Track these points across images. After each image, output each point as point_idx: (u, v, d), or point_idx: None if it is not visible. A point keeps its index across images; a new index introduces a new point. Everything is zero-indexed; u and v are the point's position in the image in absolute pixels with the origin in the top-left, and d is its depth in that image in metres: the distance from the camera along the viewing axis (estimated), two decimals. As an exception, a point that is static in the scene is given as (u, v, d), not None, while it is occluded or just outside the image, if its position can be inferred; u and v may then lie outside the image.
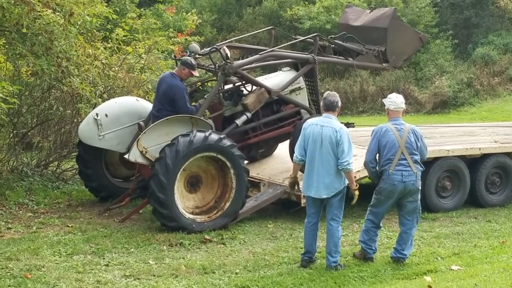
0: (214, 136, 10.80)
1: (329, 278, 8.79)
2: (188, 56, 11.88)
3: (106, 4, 15.51)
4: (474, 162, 13.11)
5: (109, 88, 14.07)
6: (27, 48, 11.94)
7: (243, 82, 12.24)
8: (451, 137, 14.89)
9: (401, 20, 18.55)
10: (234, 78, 12.21)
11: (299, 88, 12.84)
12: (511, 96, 31.58)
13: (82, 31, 13.39)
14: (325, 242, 9.32)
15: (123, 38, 15.33)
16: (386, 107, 9.47)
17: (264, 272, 9.13)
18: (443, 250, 10.24)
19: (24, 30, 11.72)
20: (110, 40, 15.29)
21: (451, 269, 9.09)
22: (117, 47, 15.14)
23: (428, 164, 12.55)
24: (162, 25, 21.48)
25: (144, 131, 10.94)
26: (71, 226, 10.90)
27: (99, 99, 13.00)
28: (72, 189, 13.20)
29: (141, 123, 11.67)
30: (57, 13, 12.19)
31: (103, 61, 13.77)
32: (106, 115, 11.78)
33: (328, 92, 9.44)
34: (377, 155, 9.33)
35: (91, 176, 12.29)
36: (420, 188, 9.35)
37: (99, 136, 11.68)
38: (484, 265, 9.25)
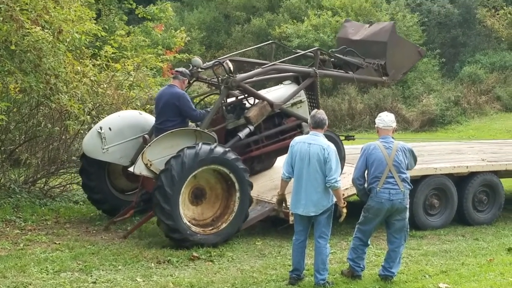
0: (220, 149, 10.87)
1: (317, 295, 8.79)
2: (191, 70, 11.99)
3: (95, 21, 15.54)
4: (462, 180, 13.17)
5: (97, 105, 14.05)
6: (16, 65, 11.94)
7: (246, 95, 12.35)
8: (439, 155, 14.95)
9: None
10: (236, 92, 12.31)
11: (300, 101, 12.97)
12: (498, 115, 31.80)
13: (71, 48, 13.41)
14: (313, 259, 9.32)
15: (112, 55, 15.34)
16: (376, 125, 9.52)
17: (252, 290, 9.12)
18: (431, 268, 10.25)
19: (13, 47, 11.71)
20: (99, 57, 15.29)
21: (439, 287, 9.10)
22: (105, 64, 15.14)
23: (416, 182, 12.62)
24: (151, 42, 21.52)
25: (149, 144, 11.01)
26: (59, 243, 10.85)
27: (88, 116, 12.99)
28: (59, 206, 13.15)
29: (146, 136, 11.76)
30: (46, 30, 12.22)
31: (91, 78, 13.77)
32: (110, 129, 11.84)
33: (315, 110, 9.49)
34: (366, 172, 9.36)
35: (94, 188, 12.31)
36: (408, 206, 9.36)
37: (103, 149, 11.74)
38: (472, 283, 9.28)
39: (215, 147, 10.85)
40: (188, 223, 10.74)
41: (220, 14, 38.24)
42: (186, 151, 10.57)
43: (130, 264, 9.96)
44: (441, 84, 32.65)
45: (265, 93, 12.77)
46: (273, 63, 12.84)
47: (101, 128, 11.79)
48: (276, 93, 12.77)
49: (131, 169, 11.19)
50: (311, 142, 9.04)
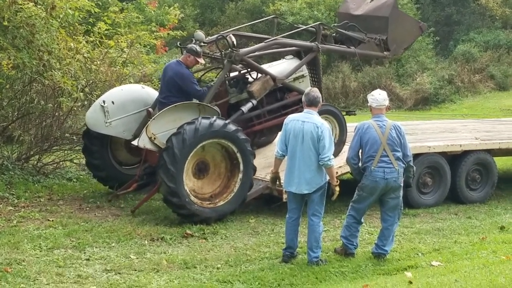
0: (219, 122, 10.90)
1: (310, 273, 8.82)
2: (194, 44, 11.92)
3: (88, -3, 15.42)
4: (455, 158, 13.19)
5: (91, 82, 13.99)
6: (8, 41, 11.84)
7: (249, 69, 12.36)
8: (432, 133, 14.95)
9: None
10: (238, 66, 12.34)
11: (303, 76, 13.01)
12: (492, 93, 31.82)
13: (64, 25, 13.30)
14: (307, 237, 9.34)
15: (105, 32, 15.25)
16: (369, 104, 9.49)
17: (246, 267, 9.13)
18: (424, 246, 10.28)
19: (5, 23, 11.62)
20: (92, 34, 15.19)
21: (432, 265, 9.13)
22: (99, 41, 15.05)
23: (409, 160, 12.64)
24: (145, 19, 21.37)
25: (153, 118, 11.03)
26: (52, 220, 10.84)
27: (81, 93, 12.93)
28: (53, 183, 13.11)
29: (150, 109, 11.78)
30: (39, 6, 12.11)
31: (85, 55, 13.68)
32: (112, 102, 11.85)
33: (309, 88, 9.48)
34: (360, 151, 9.35)
35: (99, 166, 12.36)
36: (402, 185, 9.37)
37: (106, 123, 11.75)
38: (464, 261, 9.30)
39: (215, 120, 10.86)
40: (188, 190, 10.77)
41: (214, -9, 38.04)
42: (186, 127, 10.61)
43: (123, 241, 9.96)
44: (435, 63, 32.61)
45: (268, 67, 12.77)
46: (275, 37, 12.83)
47: (104, 102, 11.78)
48: (278, 68, 12.79)
49: (135, 142, 11.19)
50: (305, 120, 9.03)
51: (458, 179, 13.09)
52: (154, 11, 23.97)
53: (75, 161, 14.42)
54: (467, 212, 12.55)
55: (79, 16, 13.88)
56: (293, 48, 13.05)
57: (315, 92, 9.23)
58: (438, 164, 12.90)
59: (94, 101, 12.40)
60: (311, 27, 13.60)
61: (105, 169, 12.38)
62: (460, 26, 35.70)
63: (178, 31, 21.85)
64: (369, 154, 9.17)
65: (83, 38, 14.39)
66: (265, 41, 12.66)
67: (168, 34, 20.56)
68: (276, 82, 12.24)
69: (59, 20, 12.75)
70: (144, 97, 12.26)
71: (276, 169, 9.50)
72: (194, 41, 12.11)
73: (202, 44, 12.11)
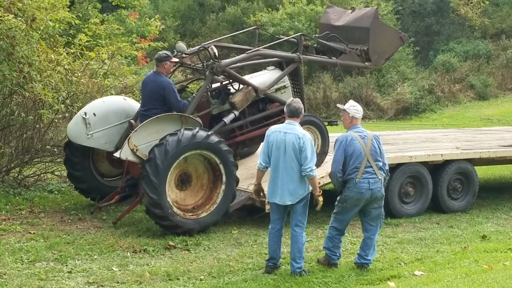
0: (202, 133, 10.91)
1: (294, 284, 8.80)
2: (175, 55, 12.00)
3: (68, 9, 15.38)
4: (436, 168, 13.24)
5: (72, 93, 13.94)
6: (-12, 53, 11.81)
7: (230, 80, 12.38)
8: (414, 143, 15.01)
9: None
10: (220, 78, 12.38)
11: (284, 87, 13.03)
12: (472, 103, 32.05)
13: (44, 37, 13.28)
14: (290, 248, 9.33)
15: (86, 43, 15.23)
16: (350, 115, 9.44)
17: (229, 279, 9.11)
18: (406, 255, 10.31)
19: (-15, 36, 11.59)
20: (72, 45, 15.17)
21: (414, 275, 9.15)
22: (80, 53, 15.02)
23: (391, 170, 12.62)
24: (125, 30, 21.38)
25: (135, 129, 11.00)
26: (33, 233, 10.76)
27: (62, 105, 12.89)
28: (34, 195, 13.04)
29: (132, 121, 11.70)
30: (19, 18, 12.09)
31: (65, 67, 13.64)
32: (94, 114, 11.81)
33: (291, 98, 9.49)
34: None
35: (80, 178, 12.31)
36: (384, 194, 9.42)
37: (88, 135, 11.71)
38: (447, 270, 9.32)
39: (197, 132, 10.85)
40: (170, 202, 10.76)
41: (195, 2, 38.09)
42: (169, 138, 10.60)
43: (106, 253, 9.92)
44: (415, 73, 32.81)
45: (249, 78, 12.79)
46: (256, 48, 12.89)
47: (85, 114, 11.74)
48: (260, 79, 12.82)
49: (117, 154, 11.19)
50: (287, 131, 9.03)
51: (439, 189, 13.13)
52: (135, 22, 23.98)
53: (56, 173, 14.35)
54: (449, 221, 12.59)
55: (60, 28, 13.87)
56: (275, 59, 13.08)
57: (297, 103, 9.24)
58: (419, 174, 12.94)
59: (76, 113, 12.37)
60: (292, 38, 13.64)
61: (86, 181, 12.32)
62: (440, 36, 35.95)
63: (159, 42, 21.93)
64: (354, 166, 9.16)
65: (64, 50, 14.35)
66: (247, 52, 12.69)
67: (149, 45, 20.62)
68: (258, 93, 12.25)
69: (39, 32, 12.74)
70: (126, 108, 12.22)
71: (259, 181, 9.46)
72: (175, 52, 12.13)
73: (183, 55, 12.13)
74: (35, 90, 12.34)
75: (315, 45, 13.88)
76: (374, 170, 9.17)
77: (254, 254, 10.19)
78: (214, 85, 12.49)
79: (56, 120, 13.78)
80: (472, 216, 13.03)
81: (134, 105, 12.39)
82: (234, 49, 14.21)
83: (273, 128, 9.28)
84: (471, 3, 37.02)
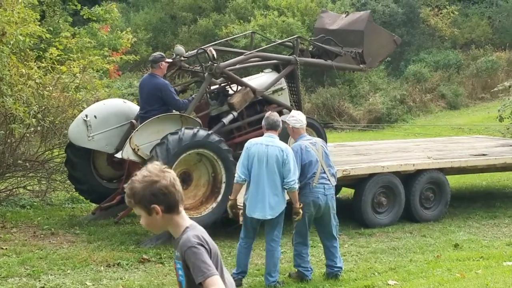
0: (203, 132, 11.06)
1: (268, 295, 8.82)
2: (174, 58, 12.28)
3: (39, 23, 15.35)
4: (409, 178, 13.31)
5: (43, 108, 13.87)
6: (-42, 68, 11.72)
7: (229, 82, 12.58)
8: (386, 153, 15.10)
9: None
10: (218, 80, 12.53)
11: (281, 89, 13.24)
12: (443, 112, 32.30)
13: (15, 51, 13.21)
14: (265, 261, 9.33)
15: (57, 57, 15.16)
16: (290, 126, 9.52)
17: (203, 291, 9.07)
18: (380, 265, 10.35)
19: (-45, 50, 11.50)
20: (44, 59, 15.09)
21: (388, 284, 9.18)
22: (51, 67, 14.96)
23: (364, 180, 12.75)
24: (97, 44, 21.32)
25: (136, 129, 11.14)
26: (6, 249, 10.67)
27: (33, 119, 12.82)
28: (6, 210, 12.94)
29: (134, 121, 11.89)
30: (-11, 33, 12.01)
31: (36, 81, 13.57)
32: (95, 117, 11.93)
33: (269, 112, 9.50)
34: None
35: (81, 179, 12.41)
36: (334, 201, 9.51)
37: (89, 137, 11.82)
38: (420, 279, 9.37)
39: (198, 131, 11.00)
40: None
41: (166, 15, 38.07)
42: (170, 137, 10.74)
43: (79, 268, 9.85)
44: (387, 83, 32.99)
45: (247, 80, 12.98)
46: (252, 51, 13.12)
47: (86, 116, 11.88)
48: (257, 81, 13.04)
49: (118, 154, 11.33)
50: (269, 144, 9.00)
51: (412, 198, 13.20)
52: (106, 35, 23.90)
53: (28, 187, 14.25)
54: (422, 230, 12.66)
55: (30, 42, 13.79)
56: (272, 61, 13.34)
57: (275, 116, 9.26)
58: (392, 184, 13.00)
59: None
60: (288, 41, 13.94)
61: (87, 182, 12.43)
62: (411, 46, 36.21)
63: (131, 55, 21.88)
64: (312, 173, 9.22)
65: (35, 64, 14.27)
66: (245, 54, 12.95)
67: (121, 58, 20.56)
68: (256, 94, 12.48)
69: (9, 46, 12.67)
70: (126, 111, 12.39)
71: (236, 195, 9.40)
72: (174, 55, 12.40)
73: (182, 58, 12.29)
74: (6, 104, 12.28)
75: (311, 48, 14.11)
76: (327, 176, 9.27)
77: (229, 266, 10.16)
78: (212, 87, 12.68)
79: (27, 135, 13.70)
80: (444, 225, 13.11)
81: (133, 107, 12.56)
82: (231, 52, 14.47)
83: (253, 140, 9.25)
84: (441, 13, 37.42)
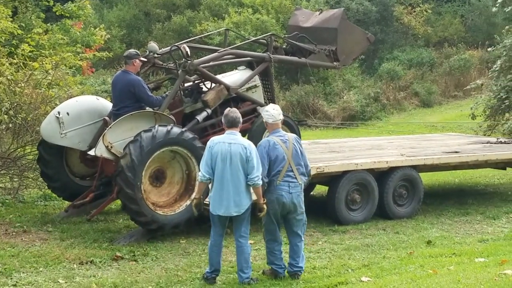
0: (176, 130, 11.06)
1: (242, 292, 8.82)
2: (147, 55, 12.24)
3: (11, 19, 15.20)
4: (382, 175, 13.36)
5: (15, 104, 13.75)
6: None
7: (203, 79, 12.58)
8: (360, 151, 15.14)
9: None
10: (191, 77, 12.60)
11: (255, 86, 13.31)
12: (416, 110, 32.51)
13: (-14, 47, 13.09)
14: (236, 258, 9.32)
15: (29, 53, 15.05)
16: (264, 121, 9.53)
17: (177, 288, 9.08)
18: (353, 262, 10.38)
19: None
20: (15, 55, 14.97)
21: (361, 281, 9.21)
22: (23, 63, 14.82)
23: (337, 178, 12.78)
24: (70, 40, 21.19)
25: (109, 126, 11.08)
26: (-23, 247, 10.60)
27: (5, 116, 12.71)
28: (-23, 208, 12.84)
29: (107, 118, 11.80)
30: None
31: (8, 77, 13.47)
32: (67, 114, 11.86)
33: (228, 109, 9.40)
34: None
35: (53, 176, 12.31)
36: (303, 199, 9.45)
37: (61, 134, 11.75)
38: (393, 276, 9.42)
39: (172, 128, 11.00)
40: (145, 197, 10.88)
41: (140, 12, 37.92)
42: (143, 135, 10.73)
43: (51, 265, 9.79)
44: (361, 81, 33.13)
45: (221, 78, 12.98)
46: (225, 48, 13.12)
47: (59, 113, 11.78)
48: (231, 78, 13.07)
49: (91, 152, 11.25)
50: (231, 142, 8.98)
51: (385, 195, 13.25)
52: (79, 32, 23.74)
53: (0, 185, 14.12)
54: (395, 227, 12.71)
55: (2, 38, 13.67)
56: (246, 58, 13.37)
57: (234, 113, 9.20)
58: (365, 181, 13.04)
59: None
60: (262, 38, 13.98)
61: (59, 179, 12.35)
62: (384, 44, 36.37)
63: (104, 52, 21.72)
64: (277, 170, 9.19)
65: (6, 60, 14.16)
66: (219, 51, 12.93)
67: (94, 55, 20.42)
68: (230, 91, 12.53)
69: (-19, 43, 12.55)
70: (99, 108, 12.30)
71: (200, 194, 9.38)
72: (148, 52, 12.35)
73: (156, 55, 12.25)
74: (-23, 101, 12.16)
75: (284, 46, 14.14)
76: (295, 175, 9.23)
77: (203, 263, 10.16)
78: (186, 84, 12.67)
79: (-1, 131, 13.59)
80: (417, 222, 13.17)
81: (106, 104, 12.45)
82: (205, 49, 14.45)
83: (215, 139, 9.19)
84: (414, 12, 37.63)
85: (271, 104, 9.90)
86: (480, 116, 23.91)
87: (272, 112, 9.42)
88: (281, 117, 9.51)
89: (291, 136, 9.49)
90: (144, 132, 10.77)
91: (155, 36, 34.59)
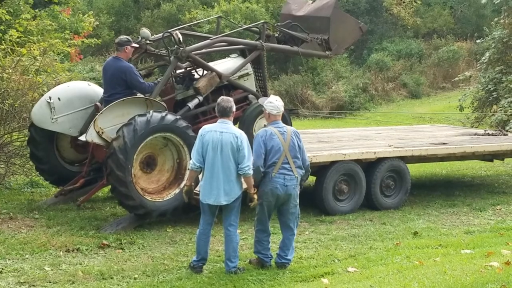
0: (171, 117, 11.08)
1: (229, 281, 8.81)
2: (139, 41, 12.19)
3: (-1, 4, 15.11)
4: (370, 166, 13.39)
5: (2, 90, 13.67)
6: None
7: (195, 66, 12.57)
8: (348, 141, 15.16)
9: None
10: (183, 65, 12.58)
11: (247, 74, 13.33)
12: (404, 101, 32.57)
13: (-27, 32, 13.00)
14: (224, 247, 9.32)
15: (17, 39, 14.96)
16: (267, 111, 9.50)
17: (163, 277, 9.07)
18: (340, 252, 10.41)
19: None
20: (3, 41, 14.87)
21: (348, 271, 9.24)
22: (10, 49, 14.74)
23: (325, 168, 12.80)
24: (58, 26, 21.02)
25: (100, 112, 11.04)
26: (-37, 233, 10.56)
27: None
28: (-37, 195, 12.78)
29: (98, 104, 11.75)
30: None
31: (-4, 63, 13.39)
32: (59, 99, 11.83)
33: (221, 97, 9.37)
34: None
35: (42, 158, 12.28)
36: (298, 192, 9.44)
37: (52, 119, 11.73)
38: (379, 266, 9.45)
39: (166, 114, 11.04)
40: (135, 182, 10.86)
41: (129, -1, 37.79)
42: (138, 119, 10.73)
43: (37, 253, 9.77)
44: (349, 71, 33.16)
45: (213, 65, 12.93)
46: (217, 36, 13.10)
47: (50, 98, 11.77)
48: (223, 66, 13.05)
49: (82, 137, 11.22)
50: (223, 131, 8.97)
51: (373, 186, 13.28)
52: (68, 18, 23.54)
53: (-14, 171, 14.06)
54: (382, 218, 12.75)
55: (-11, 24, 13.58)
56: (238, 46, 13.34)
57: (226, 102, 9.15)
58: (353, 172, 13.07)
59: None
60: (254, 26, 13.99)
61: (48, 162, 12.30)
62: (374, 35, 36.41)
63: (93, 39, 21.62)
64: (272, 161, 9.18)
65: (-6, 46, 14.07)
66: (211, 38, 12.90)
67: (83, 42, 20.33)
68: (221, 79, 12.50)
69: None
70: (90, 94, 12.27)
71: (191, 182, 9.38)
72: (140, 38, 12.31)
73: (148, 41, 12.26)
74: (-37, 87, 12.08)
75: (277, 34, 14.14)
76: (291, 167, 9.22)
77: (189, 252, 10.16)
78: (178, 71, 12.64)
79: (-14, 117, 13.50)
80: (404, 213, 13.21)
81: (98, 90, 12.41)
82: (197, 37, 14.42)
83: (207, 127, 9.19)
84: (404, 2, 37.64)
85: (272, 95, 9.83)
86: (468, 108, 23.99)
87: (276, 104, 9.38)
88: (283, 109, 9.53)
89: (290, 129, 9.44)
90: (139, 116, 10.78)
91: (144, 24, 34.46)
